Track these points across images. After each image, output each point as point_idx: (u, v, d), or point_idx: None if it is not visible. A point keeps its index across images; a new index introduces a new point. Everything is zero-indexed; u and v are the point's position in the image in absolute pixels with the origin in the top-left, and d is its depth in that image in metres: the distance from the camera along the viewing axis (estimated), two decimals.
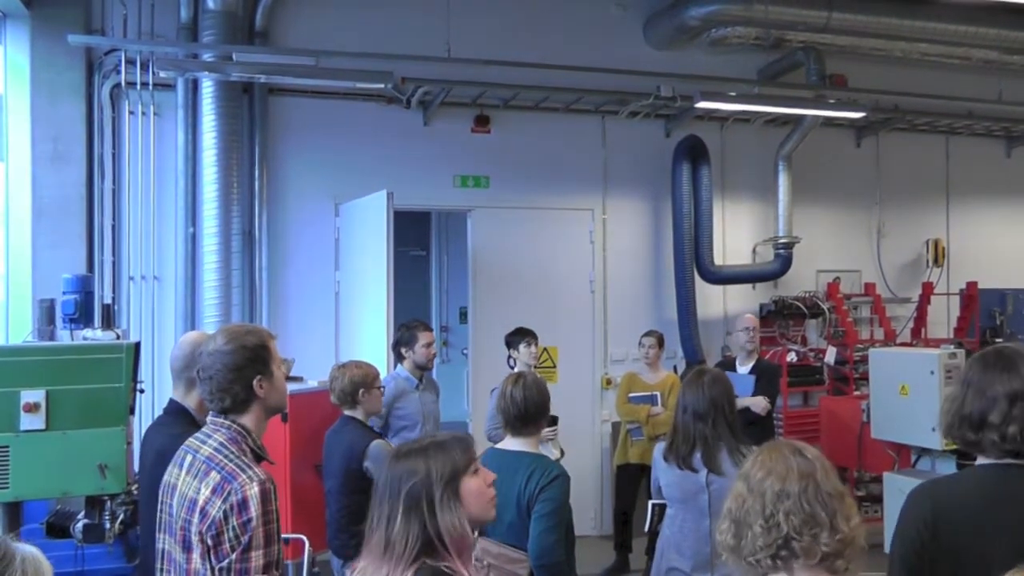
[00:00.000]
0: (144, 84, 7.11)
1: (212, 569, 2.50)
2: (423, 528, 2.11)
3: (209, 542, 2.50)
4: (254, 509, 2.50)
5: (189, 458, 2.70)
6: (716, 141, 8.85)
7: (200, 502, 2.54)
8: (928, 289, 9.58)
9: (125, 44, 7.00)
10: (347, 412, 4.85)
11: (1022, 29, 8.40)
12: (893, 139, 9.70)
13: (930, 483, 2.64)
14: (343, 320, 7.61)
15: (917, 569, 2.46)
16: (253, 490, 2.51)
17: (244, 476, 2.54)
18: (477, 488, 2.22)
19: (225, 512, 2.49)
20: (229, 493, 2.51)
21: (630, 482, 7.36)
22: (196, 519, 2.54)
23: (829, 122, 8.97)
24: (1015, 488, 2.44)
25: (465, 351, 8.84)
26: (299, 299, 7.61)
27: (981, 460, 2.53)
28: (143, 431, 6.29)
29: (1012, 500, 2.43)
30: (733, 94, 8.05)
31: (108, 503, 4.63)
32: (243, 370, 2.69)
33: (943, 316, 9.87)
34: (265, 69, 6.70)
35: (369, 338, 6.81)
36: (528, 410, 3.74)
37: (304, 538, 5.07)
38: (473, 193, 8.13)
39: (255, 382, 2.70)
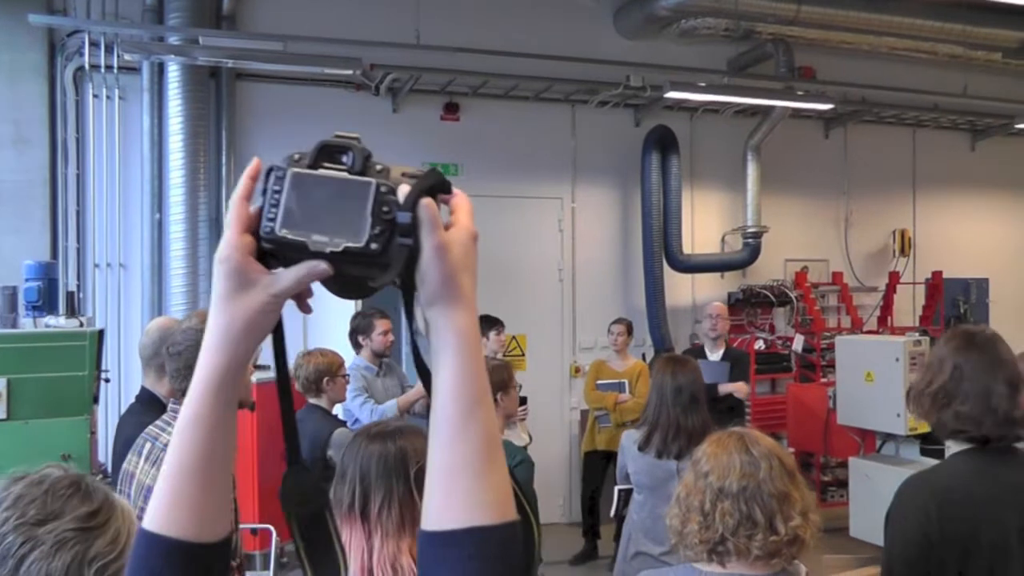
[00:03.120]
0: (108, 67, 6.98)
1: None
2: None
3: None
4: None
5: (148, 446, 2.67)
6: (685, 131, 8.87)
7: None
8: (894, 278, 9.69)
9: (88, 25, 6.87)
10: (312, 400, 4.83)
11: (986, 25, 8.49)
12: (860, 131, 9.78)
13: (923, 477, 2.54)
14: (312, 307, 7.54)
15: (922, 569, 2.35)
16: None
17: None
18: None
19: None
20: None
21: (598, 469, 7.40)
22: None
23: (797, 113, 9.01)
24: (1008, 473, 2.41)
25: None
26: None
27: (954, 447, 2.50)
28: (109, 420, 6.30)
29: (1009, 486, 2.39)
30: (703, 85, 8.08)
31: None
32: None
33: (909, 305, 9.98)
34: (232, 53, 6.63)
35: (338, 327, 6.76)
36: None
37: (271, 528, 5.05)
38: None
39: None
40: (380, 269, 0.92)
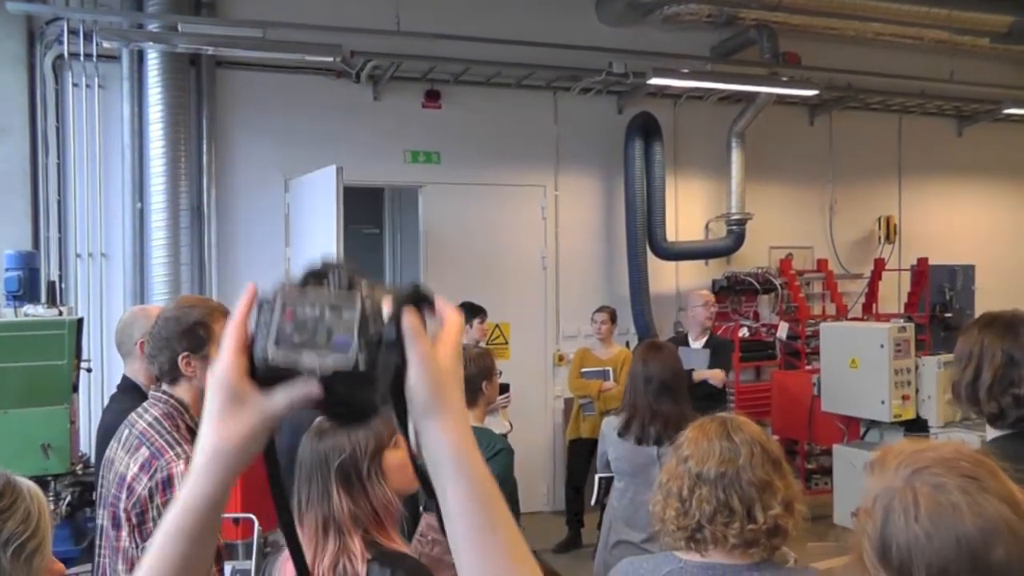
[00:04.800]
0: (88, 55, 6.91)
1: (138, 548, 2.44)
2: (357, 503, 2.12)
3: (134, 520, 2.44)
4: (179, 488, 2.44)
5: (126, 432, 2.65)
6: (669, 118, 8.84)
7: (128, 478, 2.48)
8: (880, 265, 9.69)
9: (68, 12, 6.81)
10: None
11: (972, 9, 8.48)
12: (846, 117, 9.77)
13: None
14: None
15: None
16: (179, 468, 2.42)
17: (172, 453, 2.47)
18: (399, 461, 2.21)
19: (150, 490, 2.43)
20: (155, 470, 2.44)
21: (582, 457, 7.38)
22: (124, 495, 2.47)
23: (782, 100, 8.99)
24: None
25: None
26: (249, 275, 7.46)
27: (991, 432, 2.45)
28: (92, 410, 6.27)
29: None
30: (686, 71, 8.07)
31: (53, 484, 4.55)
32: (169, 342, 2.62)
33: (894, 292, 10.00)
34: (211, 40, 6.59)
35: None
36: None
37: (253, 517, 5.02)
38: (424, 169, 8.07)
39: (180, 359, 2.60)
40: (369, 386, 0.93)
